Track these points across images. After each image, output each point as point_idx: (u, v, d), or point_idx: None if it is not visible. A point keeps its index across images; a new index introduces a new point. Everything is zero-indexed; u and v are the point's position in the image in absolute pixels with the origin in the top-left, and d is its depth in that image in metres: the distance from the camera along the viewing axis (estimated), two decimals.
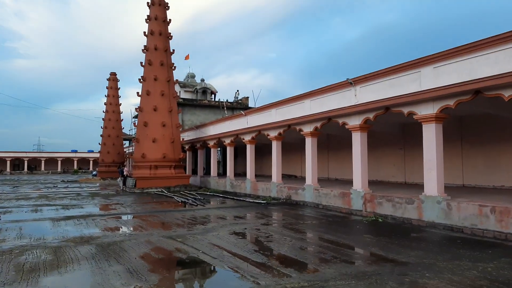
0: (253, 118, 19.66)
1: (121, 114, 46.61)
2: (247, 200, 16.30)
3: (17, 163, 72.85)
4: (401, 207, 10.87)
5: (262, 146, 24.96)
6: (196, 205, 14.26)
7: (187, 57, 37.16)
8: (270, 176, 19.56)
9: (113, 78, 46.85)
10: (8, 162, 70.20)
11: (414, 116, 10.65)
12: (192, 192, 20.67)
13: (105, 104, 45.95)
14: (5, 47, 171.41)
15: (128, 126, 48.56)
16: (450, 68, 9.58)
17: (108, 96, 45.95)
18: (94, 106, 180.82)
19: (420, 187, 14.82)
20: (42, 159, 73.60)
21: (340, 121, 13.57)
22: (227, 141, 22.90)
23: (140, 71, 24.95)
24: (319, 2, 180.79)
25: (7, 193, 21.82)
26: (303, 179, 22.41)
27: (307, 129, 15.40)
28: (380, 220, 10.61)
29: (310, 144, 15.41)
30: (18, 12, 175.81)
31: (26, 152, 73.44)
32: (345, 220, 10.96)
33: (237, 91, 38.55)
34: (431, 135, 10.25)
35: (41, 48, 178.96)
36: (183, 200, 16.15)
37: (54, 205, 14.98)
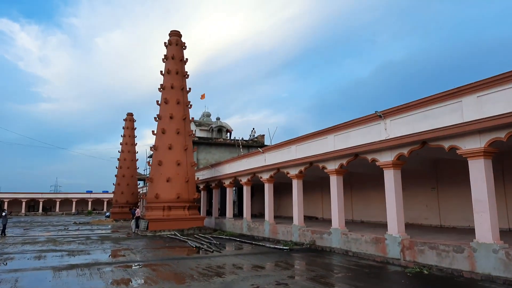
0: (271, 155, 18.71)
1: (136, 154, 46.55)
2: (267, 245, 14.91)
3: (32, 204, 72.84)
4: (448, 256, 9.39)
5: (280, 185, 23.78)
6: (212, 251, 12.98)
7: (202, 96, 37.17)
8: (289, 218, 18.27)
9: (129, 119, 47.31)
10: (24, 203, 70.26)
11: (457, 151, 9.47)
12: (206, 236, 19.37)
13: (121, 144, 46.05)
14: (30, 92, 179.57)
15: (142, 166, 48.41)
16: (497, 97, 8.56)
17: (124, 136, 46.15)
18: (111, 147, 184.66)
19: (459, 231, 13.35)
20: (57, 200, 73.52)
21: (369, 157, 12.44)
22: (244, 180, 21.85)
23: (156, 111, 24.69)
24: (330, 43, 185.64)
25: (16, 236, 20.96)
26: (324, 221, 20.99)
27: (332, 166, 14.28)
28: (425, 271, 9.12)
29: (335, 183, 14.21)
30: (42, 57, 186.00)
31: (41, 193, 73.60)
32: (383, 271, 9.50)
33: (253, 129, 38.08)
34: (479, 173, 9.00)
35: (62, 91, 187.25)
36: (197, 245, 14.89)
37: (60, 250, 13.94)
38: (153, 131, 24.51)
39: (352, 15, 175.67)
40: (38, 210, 71.50)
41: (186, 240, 17.25)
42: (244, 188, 21.96)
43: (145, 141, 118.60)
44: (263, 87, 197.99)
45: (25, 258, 11.80)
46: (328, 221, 20.37)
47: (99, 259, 11.51)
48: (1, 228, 20.92)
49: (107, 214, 48.40)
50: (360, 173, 18.14)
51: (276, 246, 14.29)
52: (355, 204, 21.13)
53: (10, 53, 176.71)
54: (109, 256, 12.80)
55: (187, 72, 25.44)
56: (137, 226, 23.69)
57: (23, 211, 69.43)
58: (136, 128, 47.52)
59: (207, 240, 16.65)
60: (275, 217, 26.24)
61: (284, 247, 13.75)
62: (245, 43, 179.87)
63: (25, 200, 70.61)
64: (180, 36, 25.67)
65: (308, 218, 23.76)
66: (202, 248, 14.11)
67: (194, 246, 14.64)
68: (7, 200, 68.14)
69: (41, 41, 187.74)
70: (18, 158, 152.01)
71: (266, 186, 19.33)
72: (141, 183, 52.51)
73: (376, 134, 12.00)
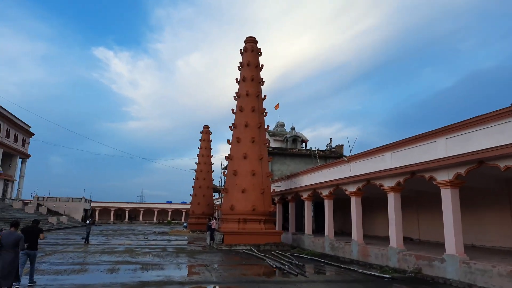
0: (359, 165, 16.27)
1: (212, 165, 46.91)
2: (360, 270, 12.47)
3: (119, 213, 78.53)
4: None
5: (365, 200, 20.99)
6: (296, 275, 11.04)
7: (277, 107, 35.96)
8: (375, 237, 15.73)
9: (205, 131, 48.09)
10: (112, 212, 76.05)
11: None
12: (286, 254, 17.46)
13: (197, 156, 46.86)
14: (121, 111, 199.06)
15: (217, 178, 48.61)
16: None
17: (200, 148, 46.93)
18: (189, 162, 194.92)
19: None
20: (141, 209, 78.27)
21: (502, 164, 9.52)
22: (325, 192, 19.61)
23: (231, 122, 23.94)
24: (407, 54, 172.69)
25: (97, 244, 21.43)
26: (422, 243, 17.64)
27: (444, 177, 11.48)
28: None
29: (449, 197, 11.35)
30: (132, 80, 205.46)
31: (127, 203, 79.08)
32: None
33: (330, 139, 35.64)
34: None
35: (148, 110, 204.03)
36: (277, 265, 13.07)
37: (134, 263, 13.26)
38: (228, 140, 23.69)
39: (432, 24, 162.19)
40: (124, 219, 76.78)
41: (264, 257, 15.56)
42: (326, 202, 19.70)
43: (219, 155, 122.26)
44: (335, 101, 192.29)
45: (98, 271, 11.18)
46: (426, 244, 17.13)
47: (172, 276, 10.36)
48: (85, 236, 21.60)
49: (185, 224, 49.37)
50: (478, 187, 14.81)
51: (372, 273, 11.80)
52: (465, 224, 17.41)
53: (105, 78, 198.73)
54: (182, 273, 11.64)
55: (262, 78, 24.31)
56: (212, 238, 22.79)
57: (111, 219, 75.12)
58: (212, 140, 48.11)
59: (287, 260, 14.75)
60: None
61: (385, 275, 11.22)
62: (318, 58, 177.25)
63: (114, 209, 76.39)
64: (256, 42, 24.76)
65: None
66: (284, 269, 12.23)
67: (274, 266, 12.84)
68: (98, 208, 74.35)
69: (131, 65, 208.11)
70: (110, 171, 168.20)
71: (353, 200, 16.89)
72: (216, 195, 52.87)
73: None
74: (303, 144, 35.60)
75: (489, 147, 9.60)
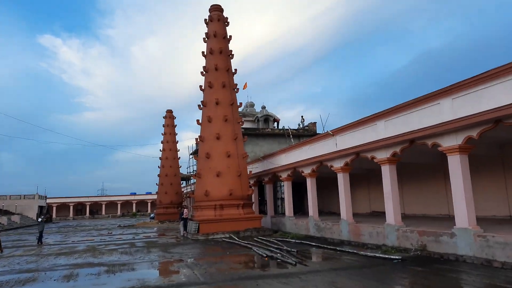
0: (345, 138, 14.90)
1: (178, 152, 44.32)
2: (360, 253, 11.17)
3: (79, 208, 73.71)
4: None
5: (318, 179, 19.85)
6: (294, 264, 9.46)
7: (245, 86, 33.93)
8: (359, 215, 14.75)
9: (169, 116, 45.24)
10: (71, 207, 71.14)
11: None
12: (270, 239, 15.95)
13: (162, 142, 44.05)
14: (74, 103, 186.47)
15: (184, 166, 46.01)
16: None
17: (164, 134, 44.11)
18: (152, 151, 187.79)
19: None
20: (103, 203, 73.90)
21: None
22: (307, 171, 18.22)
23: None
24: (362, 36, 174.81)
25: (54, 244, 18.73)
26: (407, 217, 16.80)
27: (450, 142, 10.29)
28: None
29: (458, 165, 10.22)
30: (84, 69, 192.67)
31: (87, 197, 74.32)
32: None
33: (302, 117, 34.31)
34: None
35: (104, 100, 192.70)
36: (267, 253, 11.45)
37: (98, 264, 11.08)
38: (198, 121, 21.51)
39: (383, 5, 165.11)
40: (85, 214, 72.20)
41: (249, 246, 13.90)
42: (308, 180, 18.33)
43: (183, 143, 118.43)
44: (296, 83, 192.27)
45: (51, 279, 8.94)
46: (413, 218, 16.28)
47: (146, 280, 8.38)
48: (38, 236, 18.79)
49: (152, 215, 46.73)
50: (474, 154, 13.96)
51: (378, 255, 10.49)
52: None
53: (54, 67, 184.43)
54: (159, 274, 9.70)
55: (231, 51, 22.17)
56: (185, 228, 20.83)
57: (71, 215, 70.32)
58: (176, 125, 45.39)
59: (275, 246, 13.19)
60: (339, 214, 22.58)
61: (393, 257, 9.92)
62: (276, 42, 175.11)
63: (73, 204, 71.49)
64: (222, 11, 22.45)
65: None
66: (277, 258, 10.63)
67: (265, 255, 11.19)
68: (56, 204, 69.18)
69: (82, 53, 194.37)
70: (67, 166, 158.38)
71: (340, 176, 15.59)
72: (184, 183, 50.49)
73: None
74: (275, 123, 34.06)
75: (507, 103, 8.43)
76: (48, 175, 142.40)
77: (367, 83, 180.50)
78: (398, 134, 11.81)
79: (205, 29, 22.13)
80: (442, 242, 10.48)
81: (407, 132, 11.42)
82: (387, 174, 12.88)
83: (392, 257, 9.94)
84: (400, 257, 9.80)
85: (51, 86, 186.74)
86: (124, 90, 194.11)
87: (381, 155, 12.96)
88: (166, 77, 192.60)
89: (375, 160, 13.29)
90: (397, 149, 12.25)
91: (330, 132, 15.85)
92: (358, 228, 14.42)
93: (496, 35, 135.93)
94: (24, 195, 52.11)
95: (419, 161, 15.89)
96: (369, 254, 10.81)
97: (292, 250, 11.88)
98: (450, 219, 15.16)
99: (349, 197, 15.52)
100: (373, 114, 13.20)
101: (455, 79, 10.29)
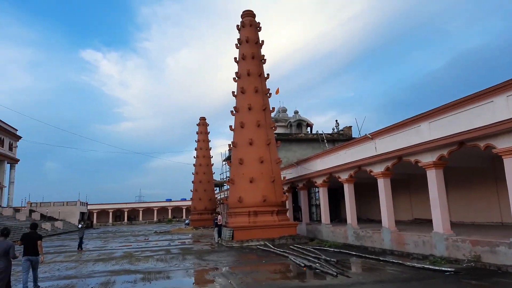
0: (385, 141, 14.12)
1: (211, 159, 44.64)
2: (406, 263, 10.35)
3: (118, 214, 76.15)
4: None
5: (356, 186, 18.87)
6: (336, 275, 8.88)
7: (277, 91, 33.56)
8: (402, 222, 13.84)
9: (202, 123, 45.74)
10: (110, 214, 73.67)
11: None
12: (307, 248, 15.35)
13: (195, 149, 44.57)
14: (113, 113, 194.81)
15: (218, 172, 46.31)
16: None
17: (198, 141, 44.61)
18: (186, 158, 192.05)
19: None
20: (140, 209, 75.93)
21: None
22: (344, 176, 17.49)
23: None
24: (395, 38, 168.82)
25: (93, 250, 19.15)
26: (474, 226, 15.45)
27: (507, 144, 9.33)
28: None
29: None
30: (122, 81, 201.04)
31: (126, 203, 76.67)
32: None
33: (336, 121, 33.41)
34: None
35: (141, 110, 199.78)
36: (305, 263, 10.91)
37: (134, 271, 11.04)
38: (230, 126, 21.39)
39: (417, 7, 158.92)
40: (123, 220, 74.45)
41: (285, 254, 13.40)
42: (346, 186, 17.59)
43: (216, 150, 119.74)
44: (326, 89, 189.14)
45: (88, 286, 8.93)
46: (469, 227, 14.87)
47: None
48: (78, 242, 19.32)
49: (187, 221, 47.25)
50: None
51: (426, 266, 9.67)
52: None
53: (95, 80, 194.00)
54: (194, 283, 9.47)
55: (264, 56, 21.95)
56: (219, 235, 20.66)
57: (110, 221, 72.77)
58: (209, 132, 45.78)
59: (313, 256, 12.60)
60: (379, 221, 21.50)
61: (445, 269, 9.08)
62: (306, 47, 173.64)
63: (112, 210, 73.99)
64: (254, 16, 22.34)
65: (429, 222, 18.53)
66: (316, 268, 10.08)
67: (303, 265, 10.66)
68: (96, 211, 71.92)
69: (121, 66, 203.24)
70: (106, 174, 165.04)
71: (381, 181, 14.76)
72: (217, 189, 50.79)
73: None
74: (308, 128, 33.39)
75: None
76: (89, 183, 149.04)
77: (401, 87, 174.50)
78: (445, 136, 10.94)
79: (237, 36, 22.09)
80: (499, 252, 9.48)
81: (457, 133, 10.54)
82: (433, 179, 11.98)
83: (443, 268, 9.10)
84: (452, 269, 8.95)
85: (92, 98, 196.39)
86: (160, 100, 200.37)
87: (427, 158, 12.08)
88: (199, 86, 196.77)
89: (419, 164, 12.42)
90: (444, 152, 11.36)
91: (369, 135, 15.09)
92: (402, 237, 13.52)
93: None
94: (67, 202, 54.48)
95: (467, 165, 14.81)
96: (416, 265, 9.99)
97: (332, 259, 11.26)
98: (503, 227, 13.95)
99: (390, 204, 14.64)
100: (417, 116, 12.39)
101: (497, 80, 9.41)
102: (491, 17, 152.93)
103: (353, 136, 30.78)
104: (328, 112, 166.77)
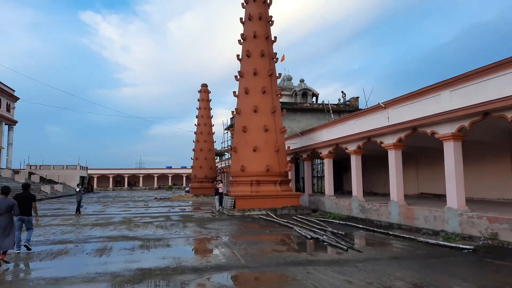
0: (399, 110, 13.28)
1: (212, 127, 43.87)
2: (419, 239, 9.84)
3: (118, 180, 76.48)
4: None
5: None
6: (346, 249, 8.35)
7: (282, 58, 32.18)
8: (408, 196, 13.36)
9: (204, 90, 44.53)
10: (111, 179, 73.92)
11: None
12: (310, 219, 14.92)
13: (196, 117, 43.70)
14: (113, 78, 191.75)
15: (219, 141, 45.79)
16: None
17: (199, 108, 43.63)
18: (188, 125, 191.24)
19: None
20: (140, 175, 76.15)
21: None
22: (352, 147, 16.78)
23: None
24: (405, 7, 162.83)
25: (91, 214, 18.81)
26: (484, 202, 14.89)
27: None
28: None
29: None
30: (123, 46, 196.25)
31: (126, 169, 76.76)
32: None
33: (342, 91, 32.31)
34: None
35: (142, 76, 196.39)
36: (312, 235, 10.40)
37: (132, 238, 10.58)
38: (234, 92, 20.44)
39: None
40: (124, 186, 74.86)
41: (289, 224, 12.93)
42: (353, 158, 16.92)
43: (217, 120, 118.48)
44: (333, 60, 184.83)
45: (83, 252, 8.44)
46: (429, 198, 14.35)
47: (182, 259, 7.62)
48: (76, 205, 18.93)
49: (187, 189, 47.20)
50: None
51: (441, 243, 9.14)
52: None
53: (96, 43, 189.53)
54: (196, 253, 8.97)
55: (271, 16, 20.61)
56: (220, 203, 20.28)
57: (110, 186, 73.17)
58: (211, 100, 44.68)
59: (319, 227, 12.12)
60: (384, 194, 21.01)
61: (463, 246, 8.55)
62: (314, 15, 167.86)
63: (112, 175, 74.20)
64: None
65: (437, 197, 18.04)
66: (323, 241, 9.57)
67: (309, 236, 10.16)
68: (96, 176, 72.08)
69: (121, 29, 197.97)
70: (107, 139, 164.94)
71: (392, 154, 14.07)
72: (218, 158, 50.40)
73: None
74: (314, 98, 32.37)
75: None
76: (90, 147, 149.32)
77: (409, 58, 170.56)
78: (469, 105, 10.09)
79: None
80: None
81: (482, 102, 9.68)
82: (451, 152, 11.24)
83: (460, 246, 8.56)
84: (471, 247, 8.40)
85: (92, 61, 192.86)
86: (161, 65, 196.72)
87: (445, 130, 11.29)
88: (202, 52, 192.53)
89: (436, 136, 11.65)
90: (466, 123, 10.55)
91: (381, 104, 14.21)
92: (411, 211, 12.99)
93: None
94: (67, 166, 54.31)
95: (482, 139, 14.03)
96: (430, 241, 9.46)
97: (339, 232, 10.76)
98: None
99: (401, 177, 14.02)
100: (436, 83, 11.47)
101: (506, 53, 8.52)
102: None
103: (359, 108, 29.85)
104: (333, 83, 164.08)
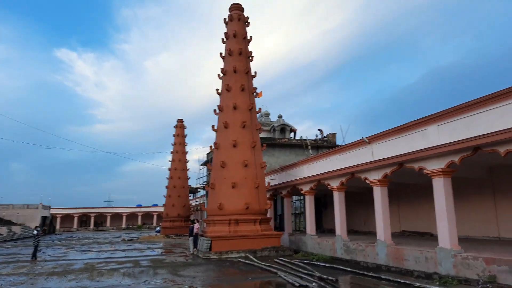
0: (384, 146, 12.94)
1: (187, 163, 42.52)
2: (415, 284, 9.04)
3: (84, 219, 71.81)
4: None
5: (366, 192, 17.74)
6: None
7: (259, 95, 32.18)
8: (354, 232, 12.83)
9: (179, 125, 43.65)
10: (76, 219, 69.31)
11: None
12: (294, 261, 13.84)
13: (171, 153, 42.36)
14: (86, 114, 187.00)
15: (194, 177, 44.26)
16: None
17: (174, 144, 42.46)
18: (162, 162, 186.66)
19: None
20: (108, 214, 71.97)
21: None
22: (334, 184, 16.19)
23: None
24: (373, 52, 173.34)
25: (49, 260, 16.78)
26: (467, 240, 14.35)
27: None
28: None
29: None
30: (98, 83, 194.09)
31: (92, 208, 72.51)
32: None
33: (319, 129, 32.42)
34: None
35: (116, 113, 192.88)
36: (300, 282, 9.36)
37: None
38: (213, 126, 19.73)
39: (394, 22, 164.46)
40: (89, 226, 70.26)
41: (273, 269, 11.79)
42: (336, 195, 16.28)
43: (193, 156, 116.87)
44: (306, 98, 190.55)
45: None
46: (416, 236, 13.77)
47: None
48: (33, 250, 16.87)
49: (157, 229, 44.64)
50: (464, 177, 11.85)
51: None
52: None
53: (69, 80, 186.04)
54: None
55: (251, 52, 20.54)
56: (195, 245, 18.80)
57: (75, 226, 68.46)
58: (186, 135, 43.72)
59: (304, 271, 11.08)
60: (364, 233, 20.40)
61: None
62: (288, 56, 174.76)
63: (77, 215, 69.69)
64: (242, 10, 20.92)
65: (419, 235, 17.53)
66: None
67: (297, 284, 9.10)
68: (60, 215, 67.48)
69: (97, 67, 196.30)
70: (75, 177, 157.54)
71: (377, 190, 13.56)
72: (191, 195, 48.53)
73: None
74: (292, 133, 32.17)
75: None
76: (56, 185, 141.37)
77: (378, 99, 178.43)
78: (459, 140, 9.80)
79: (226, 23, 20.62)
80: None
81: (473, 137, 9.40)
82: (441, 189, 10.81)
83: None
84: None
85: (65, 98, 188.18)
86: (136, 103, 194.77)
87: (433, 165, 10.92)
88: (178, 91, 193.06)
89: (425, 172, 11.25)
90: (456, 159, 10.22)
91: (365, 139, 13.86)
92: (400, 252, 12.25)
93: (508, 51, 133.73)
94: (28, 205, 50.42)
95: (463, 174, 13.83)
96: (428, 286, 8.66)
97: (329, 278, 9.79)
98: (502, 242, 13.05)
99: (387, 215, 13.44)
100: (422, 118, 11.26)
101: (467, 95, 8.54)
102: (462, 35, 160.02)
103: (337, 144, 29.83)
104: (307, 121, 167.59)
